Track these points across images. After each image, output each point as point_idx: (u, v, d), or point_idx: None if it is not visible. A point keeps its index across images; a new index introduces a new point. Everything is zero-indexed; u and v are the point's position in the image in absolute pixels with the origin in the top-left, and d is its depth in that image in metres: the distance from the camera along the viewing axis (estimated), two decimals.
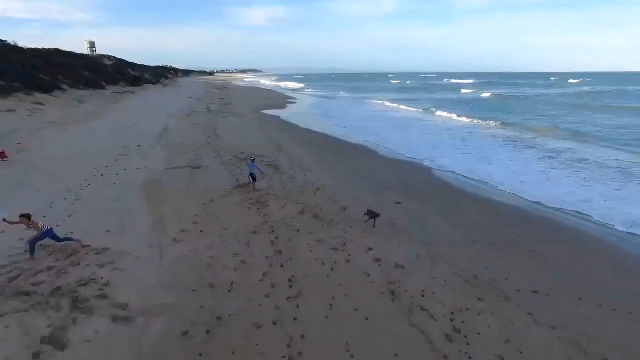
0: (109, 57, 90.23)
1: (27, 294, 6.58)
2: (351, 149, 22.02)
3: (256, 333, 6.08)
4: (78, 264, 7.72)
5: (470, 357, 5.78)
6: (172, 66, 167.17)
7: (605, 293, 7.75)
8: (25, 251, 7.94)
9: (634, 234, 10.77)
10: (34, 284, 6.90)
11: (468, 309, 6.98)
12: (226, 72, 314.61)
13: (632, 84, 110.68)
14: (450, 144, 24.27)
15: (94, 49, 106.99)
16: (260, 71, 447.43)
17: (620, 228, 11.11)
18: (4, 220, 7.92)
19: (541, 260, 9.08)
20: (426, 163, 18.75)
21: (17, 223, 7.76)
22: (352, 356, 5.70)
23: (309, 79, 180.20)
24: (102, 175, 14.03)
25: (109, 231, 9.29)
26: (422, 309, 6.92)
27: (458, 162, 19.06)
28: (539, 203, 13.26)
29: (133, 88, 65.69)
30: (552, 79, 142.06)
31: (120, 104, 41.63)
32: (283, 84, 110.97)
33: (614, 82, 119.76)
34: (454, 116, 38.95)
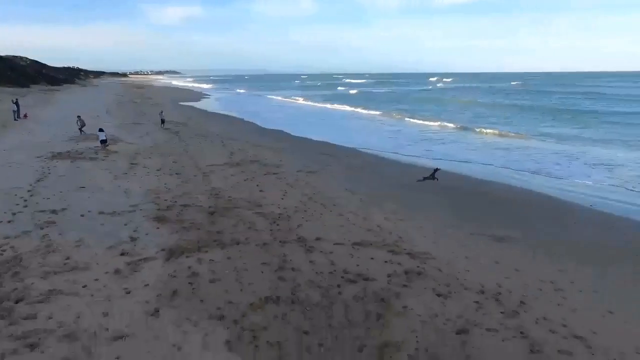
0: (22, 58, 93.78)
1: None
2: (232, 119, 36.53)
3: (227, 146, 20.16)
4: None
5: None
6: (79, 67, 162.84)
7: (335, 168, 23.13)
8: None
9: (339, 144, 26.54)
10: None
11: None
12: (140, 74, 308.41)
13: (502, 81, 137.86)
14: (297, 118, 40.05)
15: None
16: (179, 72, 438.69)
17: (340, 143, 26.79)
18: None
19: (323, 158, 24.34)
20: (269, 125, 33.76)
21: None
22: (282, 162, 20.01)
23: (225, 80, 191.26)
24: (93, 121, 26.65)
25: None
26: None
27: (286, 123, 34.48)
28: (326, 143, 28.66)
29: (55, 87, 72.95)
30: (430, 79, 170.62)
31: (55, 98, 51.18)
32: (199, 85, 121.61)
33: (486, 81, 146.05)
34: (315, 103, 56.52)
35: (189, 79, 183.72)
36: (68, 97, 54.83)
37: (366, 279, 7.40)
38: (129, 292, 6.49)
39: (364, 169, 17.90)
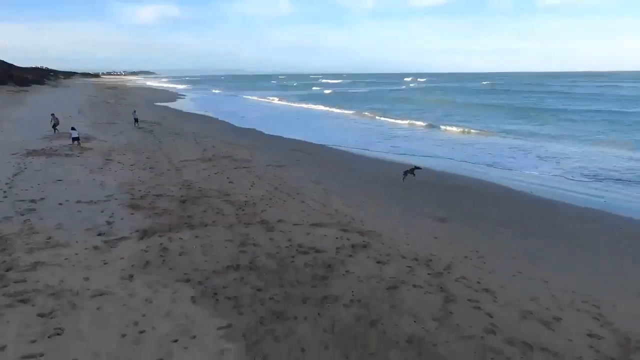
0: None
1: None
2: (207, 119, 37.16)
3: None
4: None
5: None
6: (48, 67, 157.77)
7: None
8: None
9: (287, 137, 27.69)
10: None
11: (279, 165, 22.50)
12: (114, 74, 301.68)
13: (474, 81, 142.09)
14: (272, 117, 41.02)
15: None
16: (153, 73, 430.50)
17: (306, 140, 27.95)
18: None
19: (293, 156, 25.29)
20: (244, 125, 34.66)
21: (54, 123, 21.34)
22: (252, 157, 20.75)
23: (201, 80, 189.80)
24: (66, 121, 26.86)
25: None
26: None
27: (260, 122, 35.42)
28: (299, 140, 29.73)
29: (24, 88, 71.27)
30: (405, 79, 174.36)
31: (24, 99, 50.26)
32: (174, 85, 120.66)
33: (460, 81, 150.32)
34: (290, 103, 57.78)
35: (164, 80, 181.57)
36: (38, 97, 53.94)
37: (317, 251, 8.53)
38: (107, 263, 7.41)
39: (331, 163, 19.10)
